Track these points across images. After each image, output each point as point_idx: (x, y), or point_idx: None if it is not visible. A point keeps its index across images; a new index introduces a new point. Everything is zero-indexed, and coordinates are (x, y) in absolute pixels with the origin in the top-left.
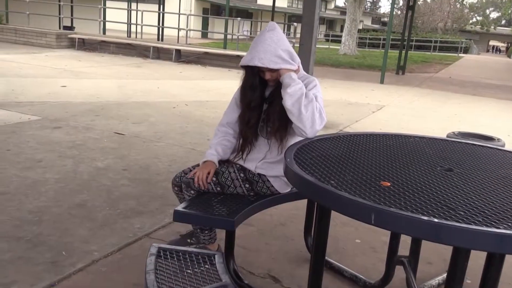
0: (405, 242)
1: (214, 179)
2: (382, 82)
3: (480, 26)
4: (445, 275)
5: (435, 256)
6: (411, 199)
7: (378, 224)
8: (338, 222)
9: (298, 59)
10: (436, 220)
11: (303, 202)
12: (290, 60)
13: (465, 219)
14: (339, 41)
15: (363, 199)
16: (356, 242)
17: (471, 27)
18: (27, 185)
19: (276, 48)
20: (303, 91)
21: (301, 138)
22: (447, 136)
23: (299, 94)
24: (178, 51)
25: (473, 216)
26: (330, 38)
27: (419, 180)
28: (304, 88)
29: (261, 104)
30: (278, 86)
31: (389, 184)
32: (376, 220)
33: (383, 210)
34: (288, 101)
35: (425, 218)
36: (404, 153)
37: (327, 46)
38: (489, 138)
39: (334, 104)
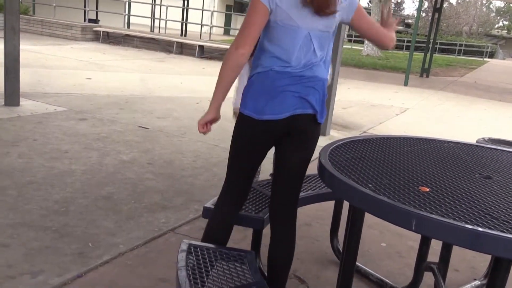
0: (432, 248)
1: None
2: (406, 84)
3: (506, 31)
4: (473, 283)
5: (462, 263)
6: (451, 206)
7: (419, 231)
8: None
9: None
10: (480, 229)
11: (328, 203)
12: None
13: (509, 229)
14: (362, 42)
15: (403, 204)
16: (382, 246)
17: (497, 32)
18: (53, 175)
19: None
20: None
21: None
22: (477, 142)
23: None
24: (201, 47)
25: None
26: (353, 38)
27: (459, 187)
28: None
29: None
30: None
31: (428, 189)
32: (417, 226)
33: (425, 217)
34: None
35: (469, 226)
36: (440, 158)
37: (350, 47)
38: None
39: (357, 105)
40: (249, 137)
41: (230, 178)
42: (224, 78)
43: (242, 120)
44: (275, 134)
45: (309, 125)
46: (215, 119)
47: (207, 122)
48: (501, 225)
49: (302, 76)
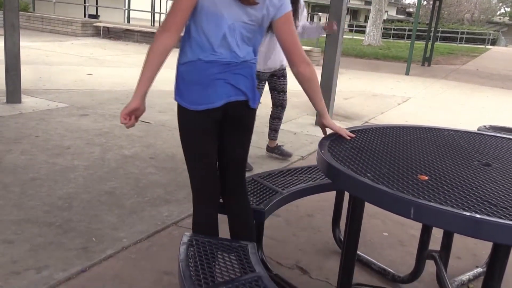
0: (433, 236)
1: None
2: (407, 73)
3: (508, 18)
4: (476, 270)
5: (464, 251)
6: (450, 194)
7: (418, 219)
8: (365, 214)
9: None
10: (478, 216)
11: (330, 193)
12: None
13: (507, 215)
14: (363, 32)
15: (401, 192)
16: (384, 235)
17: (499, 19)
18: (56, 171)
19: None
20: None
21: None
22: (478, 130)
23: None
24: None
25: None
26: (354, 28)
27: (457, 175)
28: None
29: None
30: None
31: (426, 178)
32: (416, 214)
33: (423, 205)
34: None
35: (467, 214)
36: (439, 146)
37: (351, 37)
38: None
39: (359, 95)
40: (187, 128)
41: (191, 171)
42: (150, 64)
43: (181, 112)
44: (213, 123)
45: (243, 111)
46: (139, 109)
47: (130, 113)
48: (500, 211)
49: (229, 64)
